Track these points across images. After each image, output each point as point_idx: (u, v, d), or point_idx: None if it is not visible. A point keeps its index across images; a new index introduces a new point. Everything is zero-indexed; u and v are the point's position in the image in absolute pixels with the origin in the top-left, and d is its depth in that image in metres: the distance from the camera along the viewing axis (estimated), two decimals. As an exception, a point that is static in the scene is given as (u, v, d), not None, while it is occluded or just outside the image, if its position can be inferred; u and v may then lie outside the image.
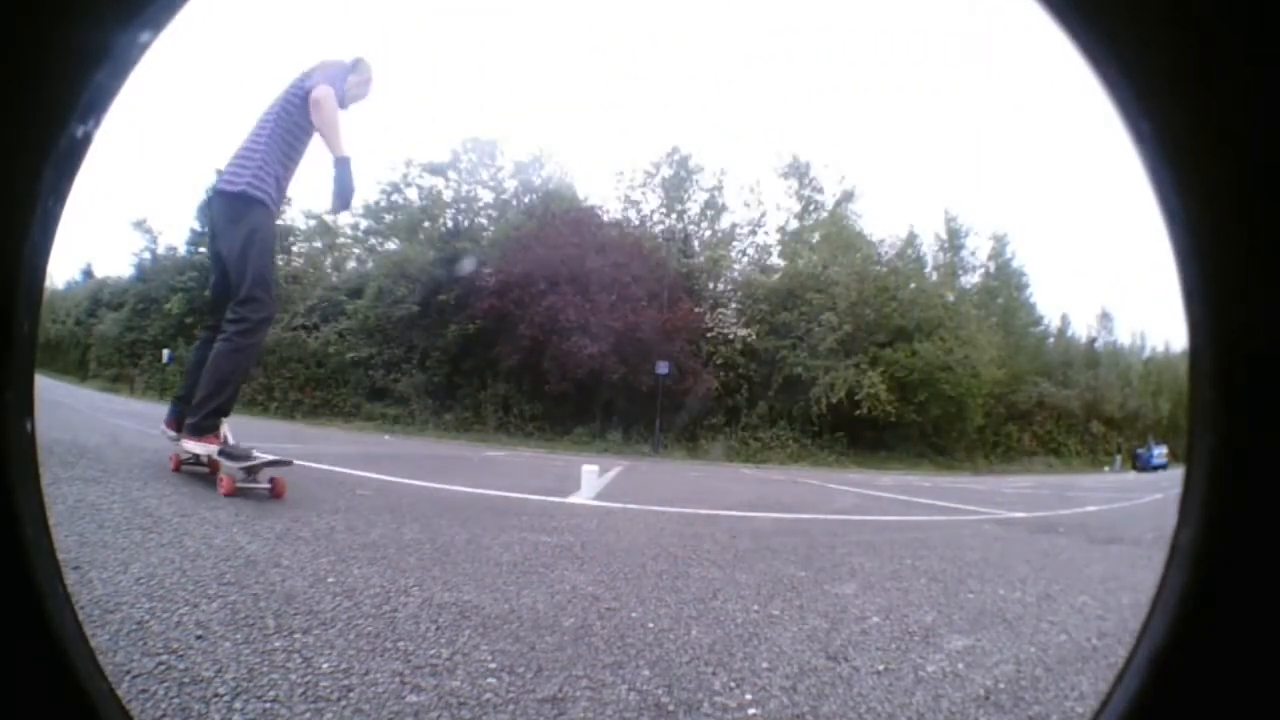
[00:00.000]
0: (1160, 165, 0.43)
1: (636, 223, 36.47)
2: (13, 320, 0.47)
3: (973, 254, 43.41)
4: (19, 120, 0.46)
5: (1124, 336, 55.60)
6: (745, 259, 37.62)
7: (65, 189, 0.50)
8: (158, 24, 0.51)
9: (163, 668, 1.46)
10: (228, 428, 4.15)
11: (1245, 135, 0.40)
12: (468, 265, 29.09)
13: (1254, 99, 0.39)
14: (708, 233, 38.55)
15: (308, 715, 1.34)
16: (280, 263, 34.84)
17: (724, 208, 39.31)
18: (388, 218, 34.49)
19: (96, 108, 0.49)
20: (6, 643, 0.47)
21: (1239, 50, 0.39)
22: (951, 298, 35.98)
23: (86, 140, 0.50)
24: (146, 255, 40.23)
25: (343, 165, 4.17)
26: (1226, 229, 0.41)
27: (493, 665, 1.71)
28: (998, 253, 44.22)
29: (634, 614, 2.30)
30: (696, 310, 30.35)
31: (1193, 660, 0.44)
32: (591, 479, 6.51)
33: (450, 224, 33.68)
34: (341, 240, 37.14)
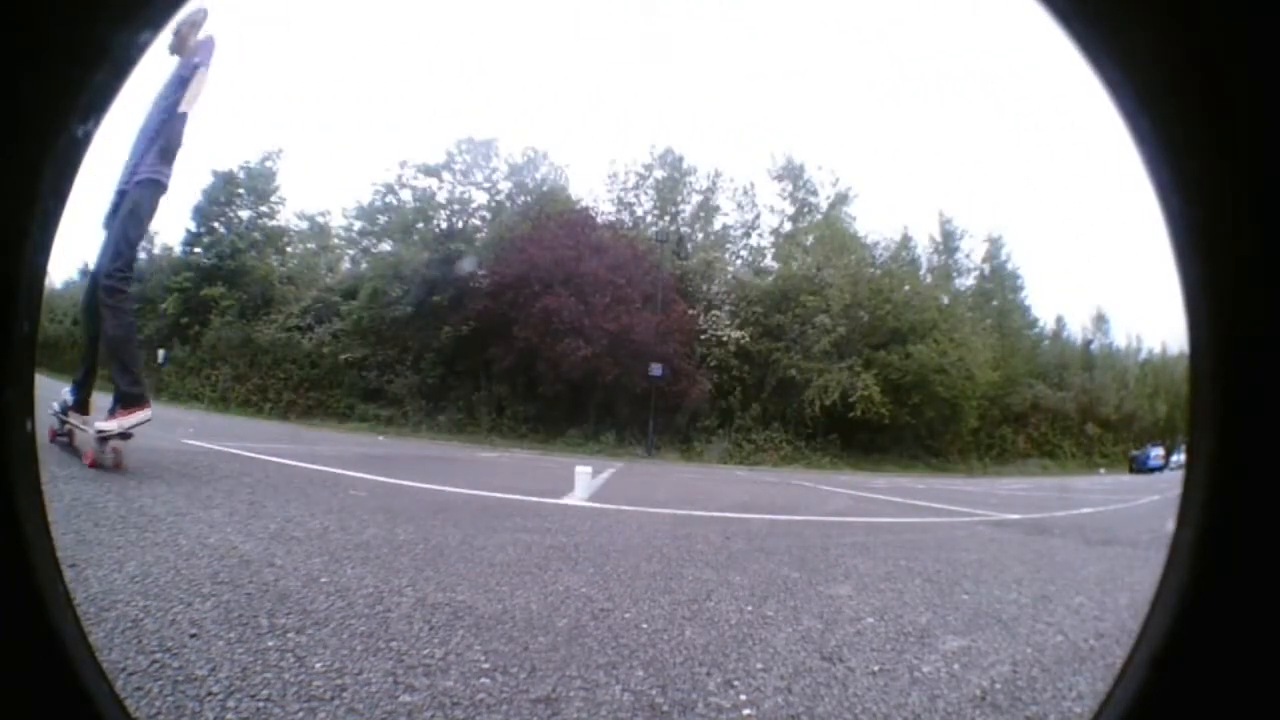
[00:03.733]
0: (1160, 165, 0.43)
1: (630, 225, 36.44)
2: (13, 320, 0.47)
3: (968, 256, 43.49)
4: (19, 120, 0.46)
5: (1120, 339, 55.73)
6: (739, 261, 37.64)
7: (65, 189, 0.50)
8: (158, 24, 0.51)
9: (157, 666, 1.46)
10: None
11: (1245, 135, 0.40)
12: (462, 267, 29.00)
13: (1254, 98, 0.39)
14: (701, 235, 38.57)
15: (301, 714, 1.33)
16: (276, 264, 34.76)
17: (718, 210, 39.42)
18: (382, 219, 34.33)
19: (96, 108, 0.49)
20: (7, 641, 0.47)
21: (1239, 50, 0.39)
22: (946, 300, 36.07)
23: (86, 140, 0.50)
24: (142, 255, 39.95)
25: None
26: (1226, 229, 0.42)
27: (486, 665, 1.71)
28: (993, 255, 44.29)
29: (628, 615, 2.30)
30: (690, 312, 30.30)
31: (1192, 660, 0.44)
32: (585, 480, 6.49)
33: (444, 225, 33.52)
34: (335, 242, 37.02)
